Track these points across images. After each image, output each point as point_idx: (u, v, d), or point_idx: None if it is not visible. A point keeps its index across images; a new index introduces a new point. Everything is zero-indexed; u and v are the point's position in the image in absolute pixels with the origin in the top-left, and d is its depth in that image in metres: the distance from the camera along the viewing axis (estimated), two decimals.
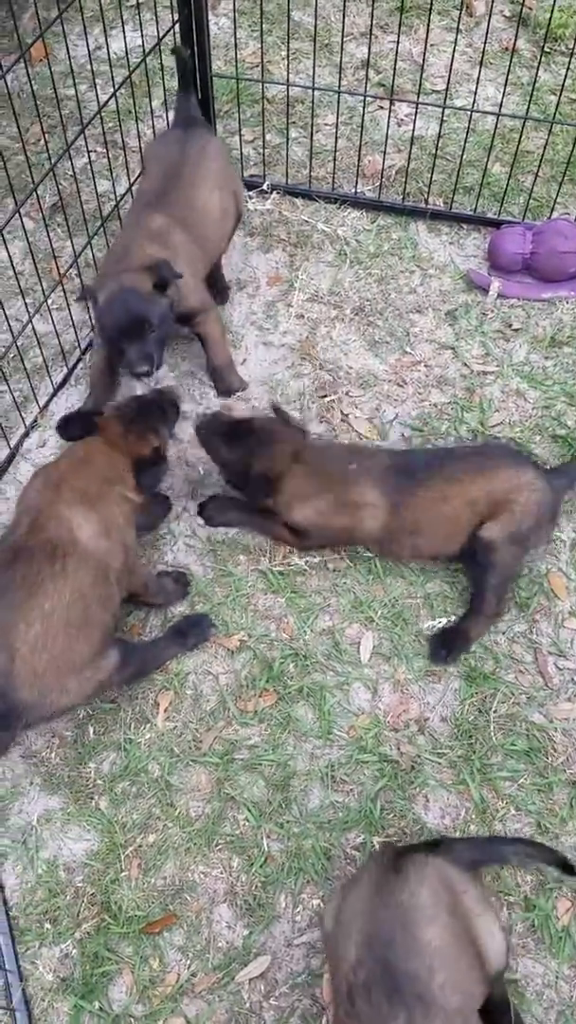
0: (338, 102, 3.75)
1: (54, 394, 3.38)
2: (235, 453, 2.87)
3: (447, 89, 3.63)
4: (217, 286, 3.54)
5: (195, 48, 3.50)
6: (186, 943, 2.37)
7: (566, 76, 3.75)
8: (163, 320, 2.95)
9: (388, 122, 3.81)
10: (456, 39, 3.55)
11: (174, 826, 2.52)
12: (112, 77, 3.40)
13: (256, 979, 2.31)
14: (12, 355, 3.31)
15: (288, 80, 3.69)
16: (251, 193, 3.91)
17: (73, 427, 2.71)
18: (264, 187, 3.90)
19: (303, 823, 2.53)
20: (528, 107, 3.63)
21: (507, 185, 3.75)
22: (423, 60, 3.59)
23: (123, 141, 3.61)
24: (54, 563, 2.37)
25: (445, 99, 3.69)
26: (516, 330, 3.54)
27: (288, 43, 3.65)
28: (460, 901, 1.98)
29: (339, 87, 3.67)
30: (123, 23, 3.49)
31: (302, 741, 2.67)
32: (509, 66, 3.59)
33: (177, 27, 3.47)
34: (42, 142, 3.68)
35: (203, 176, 3.20)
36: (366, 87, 3.79)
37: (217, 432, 2.89)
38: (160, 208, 3.10)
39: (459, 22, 3.86)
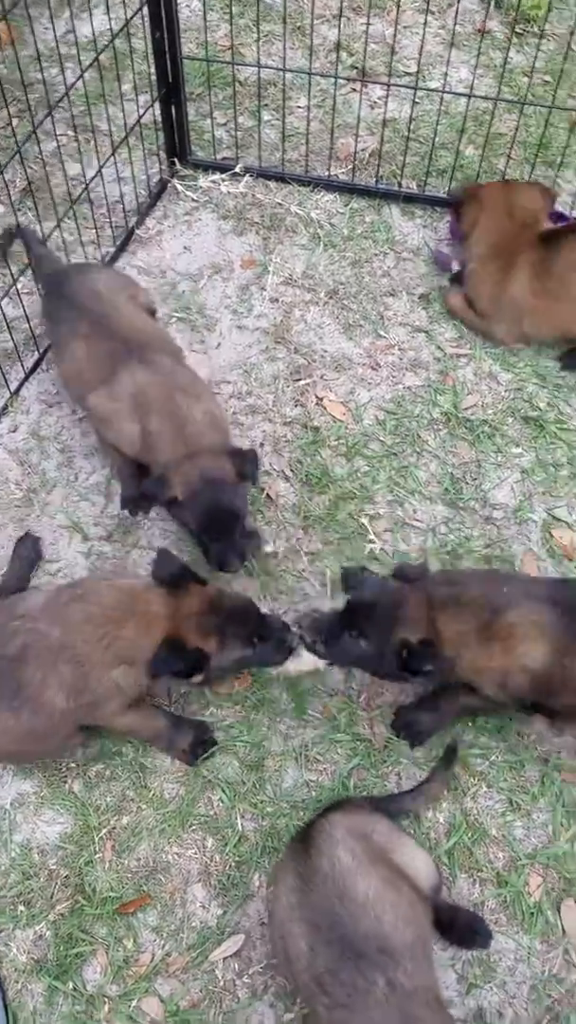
0: (309, 84, 3.74)
1: (25, 379, 3.36)
2: (374, 637, 2.36)
3: (419, 71, 3.62)
4: None
5: (164, 30, 3.48)
6: (160, 923, 2.37)
7: (536, 57, 3.75)
8: (247, 508, 2.79)
9: (360, 104, 3.80)
10: (428, 21, 3.54)
11: (148, 808, 2.52)
12: (80, 60, 3.38)
13: (230, 958, 2.32)
14: None
15: (259, 62, 3.67)
16: (224, 176, 3.89)
17: (164, 567, 2.46)
18: (237, 170, 3.88)
19: (277, 802, 2.54)
20: (499, 88, 3.63)
21: (480, 167, 3.75)
22: (395, 42, 3.58)
23: (92, 124, 3.59)
24: (13, 700, 2.33)
25: (417, 81, 3.68)
26: None
27: (259, 25, 3.63)
28: (374, 842, 2.03)
29: (311, 69, 3.65)
30: (91, 6, 3.46)
31: (276, 722, 2.67)
32: (480, 48, 3.59)
33: (146, 9, 3.44)
34: (10, 126, 3.65)
35: (119, 305, 2.97)
36: (337, 69, 3.78)
37: (332, 629, 2.40)
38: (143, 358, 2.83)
39: (430, 3, 3.85)
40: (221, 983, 2.29)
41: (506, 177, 3.74)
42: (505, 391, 3.34)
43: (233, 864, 2.45)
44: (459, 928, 2.26)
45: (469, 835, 2.46)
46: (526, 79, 4.02)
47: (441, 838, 2.46)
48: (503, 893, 2.38)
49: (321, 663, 2.53)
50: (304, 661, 2.54)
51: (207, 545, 2.71)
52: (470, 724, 2.63)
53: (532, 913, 2.36)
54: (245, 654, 2.43)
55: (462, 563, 2.96)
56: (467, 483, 3.15)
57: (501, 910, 2.37)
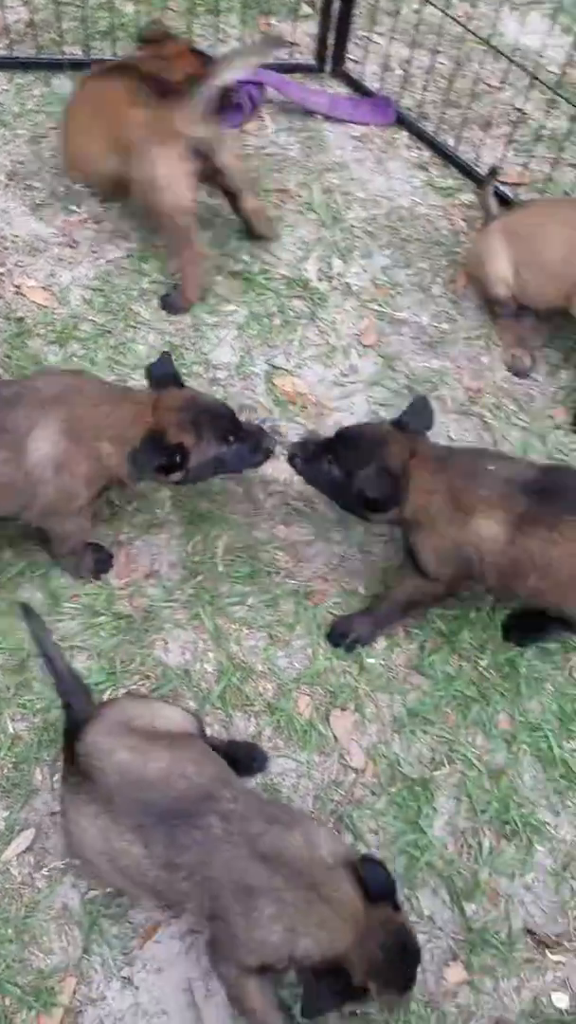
0: None
1: None
2: (344, 466, 2.37)
3: None
4: None
5: None
6: None
7: None
8: None
9: None
10: None
11: None
12: None
13: (24, 853, 2.28)
14: None
15: None
16: None
17: (159, 367, 2.45)
18: None
19: (46, 698, 2.48)
20: None
21: (140, 23, 3.59)
22: None
23: None
24: None
25: None
26: None
27: None
28: (136, 726, 2.05)
29: None
30: None
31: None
32: None
33: None
34: None
35: None
36: None
37: (315, 453, 2.42)
38: None
39: None
40: (18, 879, 2.26)
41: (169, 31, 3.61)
42: (210, 248, 3.28)
43: (11, 766, 2.39)
44: (239, 760, 2.33)
45: (237, 676, 2.52)
46: None
47: (212, 685, 2.51)
48: (276, 719, 2.48)
49: (296, 477, 2.57)
50: (280, 464, 2.63)
51: None
52: (229, 576, 2.68)
53: (305, 730, 2.47)
54: (220, 451, 2.42)
55: None
56: (188, 348, 3.12)
57: (277, 735, 2.46)
